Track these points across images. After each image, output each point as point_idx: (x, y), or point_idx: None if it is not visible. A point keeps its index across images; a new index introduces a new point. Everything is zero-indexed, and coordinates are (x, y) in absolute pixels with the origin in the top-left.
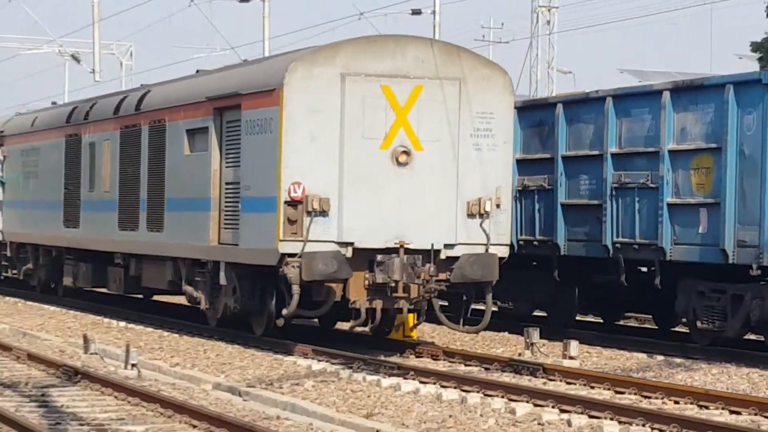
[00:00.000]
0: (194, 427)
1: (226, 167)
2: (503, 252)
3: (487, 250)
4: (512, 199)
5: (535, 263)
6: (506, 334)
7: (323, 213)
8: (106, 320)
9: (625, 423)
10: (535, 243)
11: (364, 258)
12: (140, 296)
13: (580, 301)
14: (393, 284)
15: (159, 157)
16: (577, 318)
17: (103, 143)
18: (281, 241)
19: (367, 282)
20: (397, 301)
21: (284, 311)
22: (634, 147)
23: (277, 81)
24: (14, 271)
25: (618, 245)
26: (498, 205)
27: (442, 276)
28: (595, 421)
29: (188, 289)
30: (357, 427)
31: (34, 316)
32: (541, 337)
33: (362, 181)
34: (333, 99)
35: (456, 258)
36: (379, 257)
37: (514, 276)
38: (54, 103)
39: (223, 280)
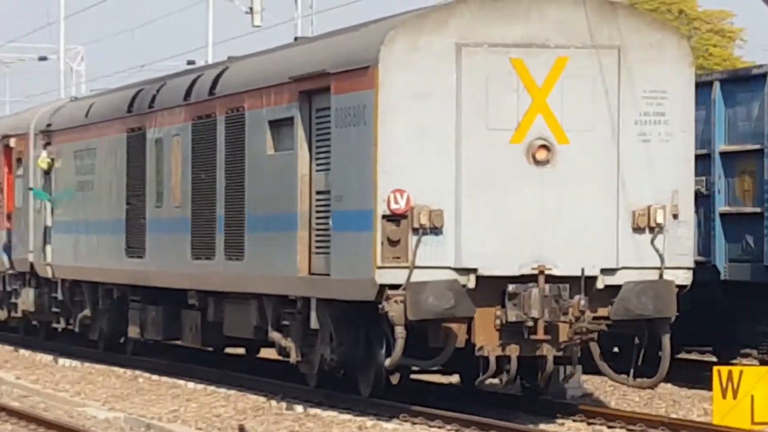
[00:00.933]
0: None
1: (317, 171)
2: (684, 278)
3: (661, 276)
4: None
5: None
6: None
7: (435, 230)
8: (275, 403)
9: None
10: None
11: (492, 289)
12: (241, 351)
13: None
14: (531, 323)
15: (238, 159)
16: None
17: (171, 139)
18: (379, 268)
19: (497, 321)
20: (539, 345)
21: (387, 361)
22: None
23: (371, 56)
24: (70, 321)
25: None
26: (675, 216)
27: (601, 311)
28: None
29: (275, 336)
30: None
31: (164, 397)
32: None
33: (487, 186)
34: (446, 78)
35: (618, 287)
36: (511, 288)
37: None
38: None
39: (314, 323)
